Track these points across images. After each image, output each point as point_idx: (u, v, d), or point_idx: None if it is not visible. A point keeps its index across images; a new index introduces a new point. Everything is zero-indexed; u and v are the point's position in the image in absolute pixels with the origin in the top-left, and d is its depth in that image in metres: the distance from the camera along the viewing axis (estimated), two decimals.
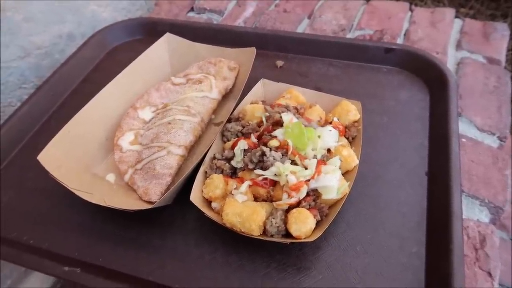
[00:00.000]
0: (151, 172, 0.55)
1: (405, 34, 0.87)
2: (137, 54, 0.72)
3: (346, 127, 0.57)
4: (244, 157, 0.52)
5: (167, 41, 0.72)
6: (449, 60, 0.81)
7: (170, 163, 0.56)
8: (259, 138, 0.54)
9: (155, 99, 0.66)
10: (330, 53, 0.78)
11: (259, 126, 0.57)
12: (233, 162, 0.53)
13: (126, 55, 0.83)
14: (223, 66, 0.68)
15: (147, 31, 0.86)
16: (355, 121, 0.58)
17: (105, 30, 0.85)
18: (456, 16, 0.91)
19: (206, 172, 0.54)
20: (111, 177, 0.59)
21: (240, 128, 0.57)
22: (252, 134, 0.54)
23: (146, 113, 0.64)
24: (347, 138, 0.57)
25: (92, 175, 0.58)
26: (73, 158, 0.57)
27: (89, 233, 0.54)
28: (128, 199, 0.54)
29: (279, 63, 0.77)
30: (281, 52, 0.80)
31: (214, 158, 0.54)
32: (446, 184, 0.54)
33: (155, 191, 0.54)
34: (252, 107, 0.58)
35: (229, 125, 0.58)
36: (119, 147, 0.59)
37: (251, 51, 0.67)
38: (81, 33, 0.97)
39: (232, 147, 0.54)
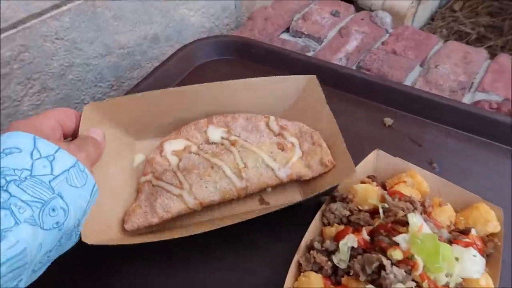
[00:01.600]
0: (152, 199, 0.49)
1: None
2: (224, 76, 0.63)
3: (482, 240, 0.45)
4: (352, 259, 0.41)
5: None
6: None
7: (171, 208, 0.49)
8: (371, 234, 0.43)
9: (236, 127, 0.58)
10: (449, 120, 0.65)
11: (372, 214, 0.46)
12: (334, 259, 0.43)
13: (212, 75, 0.75)
14: (318, 153, 0.54)
15: (238, 52, 0.78)
16: (493, 234, 0.46)
17: (195, 44, 0.77)
18: None
19: (300, 264, 0.44)
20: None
21: (347, 213, 0.46)
22: (364, 228, 0.44)
23: (215, 133, 0.56)
24: (481, 255, 0.45)
25: None
26: None
27: None
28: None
29: (388, 121, 0.65)
30: (388, 106, 0.68)
31: (312, 247, 0.44)
32: None
33: (136, 219, 0.48)
34: (365, 189, 0.47)
35: (333, 206, 0.47)
36: (161, 148, 0.55)
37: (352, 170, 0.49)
38: (166, 36, 0.91)
39: (336, 239, 0.44)
